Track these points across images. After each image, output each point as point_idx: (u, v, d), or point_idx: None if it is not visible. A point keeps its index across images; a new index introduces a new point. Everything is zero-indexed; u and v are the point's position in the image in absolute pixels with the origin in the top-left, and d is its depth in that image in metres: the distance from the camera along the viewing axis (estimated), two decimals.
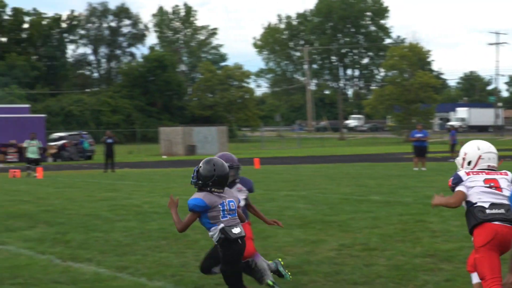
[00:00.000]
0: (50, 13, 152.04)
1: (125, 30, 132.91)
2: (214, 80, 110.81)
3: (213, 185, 7.86)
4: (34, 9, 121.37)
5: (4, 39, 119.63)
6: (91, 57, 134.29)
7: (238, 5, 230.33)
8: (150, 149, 73.16)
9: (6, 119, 54.97)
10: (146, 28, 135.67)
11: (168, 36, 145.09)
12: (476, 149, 7.61)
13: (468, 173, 7.46)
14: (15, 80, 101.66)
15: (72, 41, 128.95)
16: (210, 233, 7.91)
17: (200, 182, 7.96)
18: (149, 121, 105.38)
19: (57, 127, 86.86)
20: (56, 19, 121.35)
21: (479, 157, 7.56)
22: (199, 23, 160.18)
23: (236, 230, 7.83)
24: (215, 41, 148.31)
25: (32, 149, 36.67)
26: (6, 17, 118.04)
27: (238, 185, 9.16)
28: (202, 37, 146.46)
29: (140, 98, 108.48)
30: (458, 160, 7.76)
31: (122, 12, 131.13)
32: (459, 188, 7.41)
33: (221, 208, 7.81)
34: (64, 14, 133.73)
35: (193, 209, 7.79)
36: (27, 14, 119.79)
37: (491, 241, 7.10)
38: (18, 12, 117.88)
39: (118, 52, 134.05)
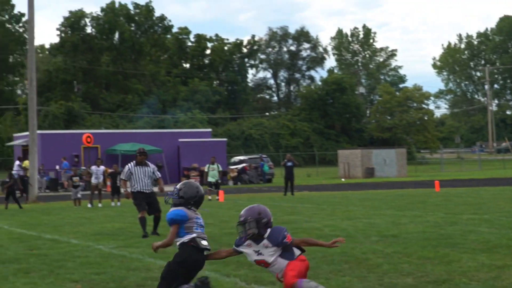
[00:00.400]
0: (231, 38, 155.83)
1: (304, 53, 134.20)
2: (393, 102, 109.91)
3: (194, 204, 9.28)
4: (216, 35, 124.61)
5: (187, 65, 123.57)
6: (271, 81, 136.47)
7: (418, 26, 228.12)
8: (328, 172, 73.36)
9: (189, 143, 56.59)
10: (325, 51, 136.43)
11: (347, 59, 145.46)
12: None
13: None
14: (197, 105, 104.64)
15: (252, 66, 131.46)
16: (179, 239, 9.14)
17: (183, 199, 9.25)
18: (327, 144, 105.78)
19: (237, 151, 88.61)
20: (237, 45, 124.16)
21: None
22: (378, 45, 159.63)
23: (204, 243, 9.10)
24: (394, 63, 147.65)
25: (212, 173, 37.47)
26: (189, 44, 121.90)
27: (265, 241, 9.00)
28: (381, 59, 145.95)
29: (318, 121, 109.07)
30: None
31: (302, 36, 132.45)
32: None
33: (196, 221, 9.13)
34: (245, 39, 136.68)
35: (175, 218, 9.09)
36: (210, 40, 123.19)
37: None
38: (201, 39, 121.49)
39: (297, 75, 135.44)
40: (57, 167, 52.60)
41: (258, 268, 12.46)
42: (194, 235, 9.05)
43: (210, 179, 37.47)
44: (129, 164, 19.49)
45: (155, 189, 19.78)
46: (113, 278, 11.96)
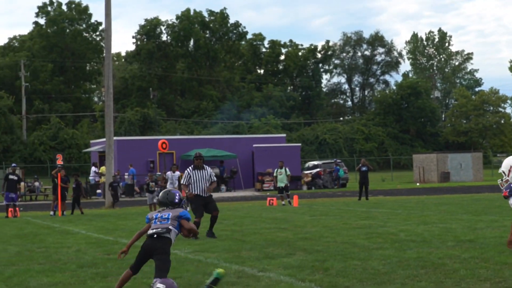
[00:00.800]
0: (305, 44, 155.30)
1: (379, 58, 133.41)
2: (469, 106, 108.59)
3: (159, 205, 11.26)
4: (290, 41, 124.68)
5: (261, 71, 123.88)
6: (345, 86, 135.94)
7: (494, 29, 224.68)
8: (403, 176, 72.80)
9: (263, 149, 56.68)
10: (400, 55, 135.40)
11: (421, 63, 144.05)
12: None
13: None
14: (271, 110, 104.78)
15: (326, 71, 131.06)
16: None
17: None
18: (402, 148, 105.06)
19: (311, 156, 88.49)
20: (312, 50, 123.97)
21: None
22: (453, 48, 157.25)
23: (151, 231, 10.74)
24: (469, 66, 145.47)
25: (280, 177, 37.42)
26: (264, 50, 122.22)
27: None
28: (456, 63, 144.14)
29: (393, 125, 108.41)
30: (504, 172, 10.31)
31: (376, 40, 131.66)
32: None
33: (154, 218, 10.86)
34: (319, 45, 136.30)
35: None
36: (284, 46, 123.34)
37: None
38: (275, 44, 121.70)
39: (371, 80, 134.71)
40: (126, 174, 53.02)
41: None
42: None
43: (279, 184, 37.40)
44: (188, 169, 20.11)
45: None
46: (189, 283, 12.06)
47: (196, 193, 19.60)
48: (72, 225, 25.73)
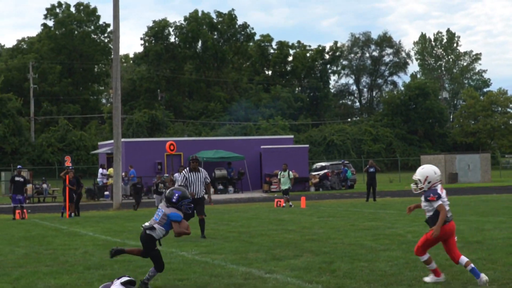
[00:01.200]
0: (313, 45, 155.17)
1: (387, 59, 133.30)
2: (477, 107, 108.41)
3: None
4: (298, 42, 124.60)
5: (269, 72, 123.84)
6: (353, 87, 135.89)
7: (503, 29, 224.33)
8: (410, 178, 72.14)
9: (271, 150, 56.63)
10: (408, 56, 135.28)
11: (430, 64, 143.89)
12: (434, 173, 11.20)
13: (442, 190, 11.17)
14: (279, 111, 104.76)
15: (334, 72, 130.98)
16: None
17: None
18: (410, 149, 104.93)
19: (318, 157, 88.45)
20: (320, 51, 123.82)
21: (439, 181, 11.19)
22: (462, 49, 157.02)
23: (145, 224, 11.66)
24: (478, 67, 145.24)
25: (283, 180, 37.32)
26: (272, 51, 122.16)
27: None
28: (464, 63, 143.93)
29: (401, 126, 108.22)
30: (420, 180, 11.20)
31: (384, 41, 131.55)
32: (440, 202, 11.17)
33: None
34: (327, 46, 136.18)
35: None
36: (292, 47, 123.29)
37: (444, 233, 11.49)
38: (283, 46, 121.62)
39: (379, 81, 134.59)
40: (123, 174, 52.36)
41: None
42: None
43: (282, 186, 37.27)
44: (184, 171, 21.13)
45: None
46: (196, 284, 12.07)
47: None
48: (80, 227, 25.76)
